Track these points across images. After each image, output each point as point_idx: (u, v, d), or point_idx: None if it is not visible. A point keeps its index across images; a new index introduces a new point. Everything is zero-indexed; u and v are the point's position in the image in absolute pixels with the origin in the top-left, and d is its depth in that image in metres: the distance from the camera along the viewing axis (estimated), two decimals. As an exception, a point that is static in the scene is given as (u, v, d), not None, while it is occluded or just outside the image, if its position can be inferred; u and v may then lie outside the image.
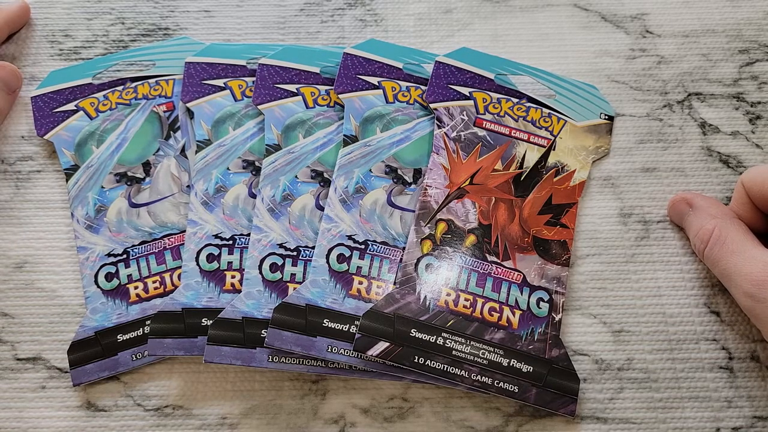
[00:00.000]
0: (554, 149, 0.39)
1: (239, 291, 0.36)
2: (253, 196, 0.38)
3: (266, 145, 0.39)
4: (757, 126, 0.41)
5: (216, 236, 0.37)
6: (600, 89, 0.41)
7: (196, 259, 0.37)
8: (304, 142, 0.39)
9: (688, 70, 0.42)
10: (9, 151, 0.41)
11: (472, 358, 0.34)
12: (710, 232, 0.34)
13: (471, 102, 0.40)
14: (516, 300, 0.36)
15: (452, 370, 0.34)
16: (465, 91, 0.40)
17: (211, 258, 0.37)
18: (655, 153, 0.40)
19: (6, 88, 0.40)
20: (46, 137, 0.40)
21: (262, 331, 0.35)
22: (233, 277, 0.37)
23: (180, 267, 0.37)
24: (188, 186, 0.39)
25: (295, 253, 0.37)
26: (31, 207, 0.39)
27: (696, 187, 0.39)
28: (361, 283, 0.36)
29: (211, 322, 0.35)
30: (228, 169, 0.39)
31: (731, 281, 0.33)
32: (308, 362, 0.34)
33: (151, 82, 0.41)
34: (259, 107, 0.39)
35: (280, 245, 0.37)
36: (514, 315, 0.36)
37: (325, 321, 0.35)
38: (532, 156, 0.39)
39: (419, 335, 0.34)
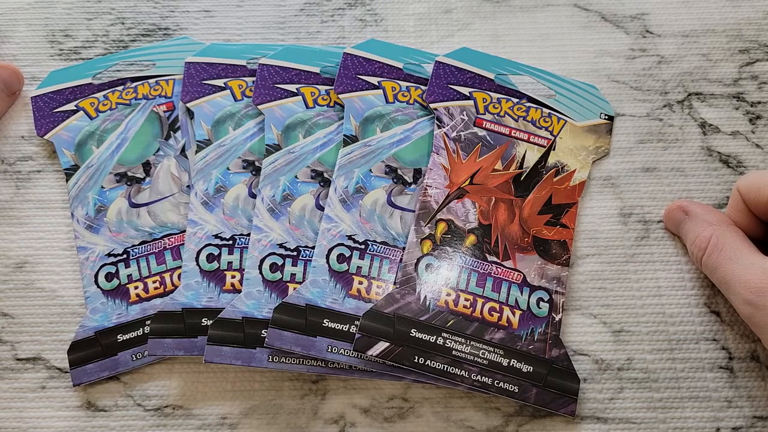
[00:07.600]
0: (554, 149, 0.39)
1: (239, 291, 0.36)
2: (253, 196, 0.38)
3: (266, 145, 0.39)
4: (757, 126, 0.41)
5: (216, 236, 0.37)
6: (600, 89, 0.41)
7: (196, 259, 0.37)
8: (304, 142, 0.39)
9: (688, 70, 0.42)
10: (9, 151, 0.41)
11: (472, 358, 0.34)
12: (707, 239, 0.34)
13: (471, 102, 0.40)
14: (516, 300, 0.36)
15: (452, 370, 0.34)
16: (465, 91, 0.40)
17: (211, 258, 0.37)
18: (655, 153, 0.40)
19: (7, 89, 0.40)
20: (46, 137, 0.40)
21: (262, 331, 0.35)
22: (233, 277, 0.36)
23: (180, 267, 0.37)
24: (188, 186, 0.39)
25: (295, 253, 0.37)
26: (31, 207, 0.39)
27: (696, 187, 0.39)
28: (361, 283, 0.36)
29: (211, 322, 0.35)
30: (228, 169, 0.39)
31: (730, 289, 0.32)
32: (308, 362, 0.34)
33: (151, 82, 0.41)
34: (259, 107, 0.39)
35: (280, 245, 0.37)
36: (514, 315, 0.36)
37: (325, 321, 0.35)
38: (532, 156, 0.39)
39: (419, 335, 0.34)
